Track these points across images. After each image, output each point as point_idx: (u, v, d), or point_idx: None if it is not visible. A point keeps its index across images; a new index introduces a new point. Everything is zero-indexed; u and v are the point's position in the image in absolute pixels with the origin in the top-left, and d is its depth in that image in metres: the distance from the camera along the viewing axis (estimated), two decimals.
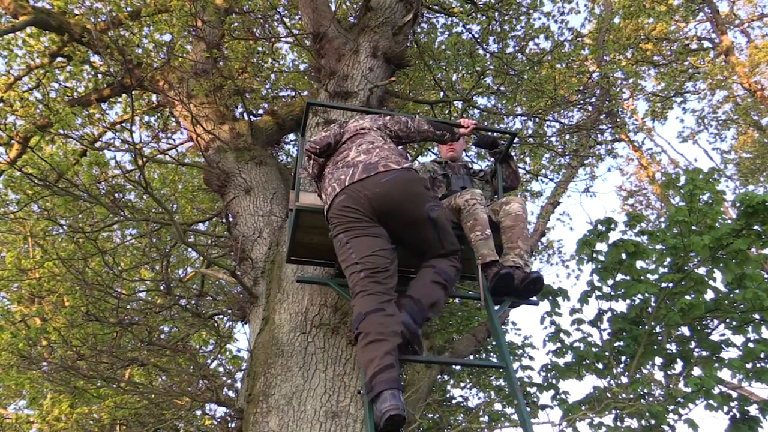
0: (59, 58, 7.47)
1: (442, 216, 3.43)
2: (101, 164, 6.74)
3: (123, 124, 7.91)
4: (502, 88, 8.75)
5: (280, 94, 8.67)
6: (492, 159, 4.63)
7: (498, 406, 8.57)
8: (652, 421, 5.25)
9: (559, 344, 6.36)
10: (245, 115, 6.74)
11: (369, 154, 3.47)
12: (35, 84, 7.50)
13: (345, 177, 3.37)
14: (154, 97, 7.96)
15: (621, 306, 7.39)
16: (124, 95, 7.71)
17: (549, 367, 6.47)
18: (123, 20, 7.07)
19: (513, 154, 9.68)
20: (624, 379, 5.83)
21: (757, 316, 5.40)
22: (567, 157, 10.04)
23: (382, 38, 6.25)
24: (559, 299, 6.45)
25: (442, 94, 8.22)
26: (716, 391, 5.19)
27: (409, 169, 3.42)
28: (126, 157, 7.95)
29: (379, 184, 3.27)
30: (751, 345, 5.38)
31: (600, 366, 5.95)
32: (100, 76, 7.63)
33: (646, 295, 5.79)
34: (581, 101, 9.61)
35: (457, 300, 8.89)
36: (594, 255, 6.09)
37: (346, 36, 6.42)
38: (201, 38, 7.14)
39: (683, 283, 5.55)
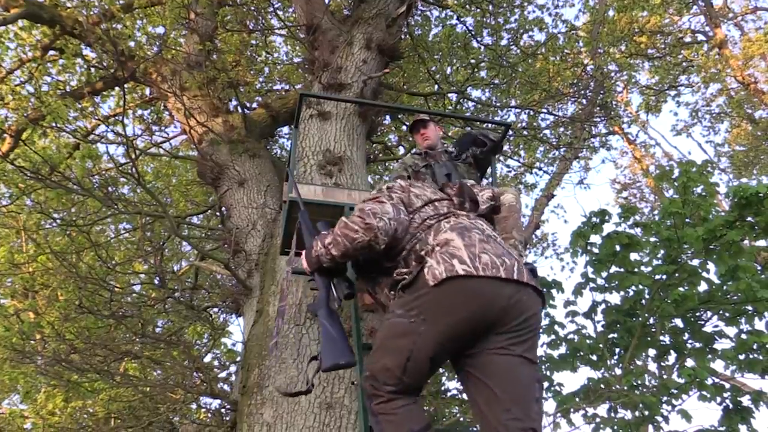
0: (51, 52, 7.42)
1: None
2: (94, 157, 6.71)
3: (116, 117, 7.87)
4: (496, 81, 8.75)
5: (274, 87, 8.65)
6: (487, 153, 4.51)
7: None
8: (646, 412, 5.26)
9: (553, 336, 6.37)
10: (239, 107, 6.72)
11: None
12: (27, 77, 7.45)
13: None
14: (147, 91, 7.92)
15: (615, 298, 7.41)
16: (117, 88, 7.66)
17: (543, 359, 6.49)
18: (115, 12, 7.02)
19: (508, 147, 9.71)
20: (618, 371, 5.85)
21: (750, 308, 5.42)
22: (561, 149, 10.06)
23: (375, 30, 6.23)
24: (554, 291, 6.45)
25: (436, 86, 8.21)
26: (709, 382, 5.21)
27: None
28: (119, 150, 7.93)
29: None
30: (744, 336, 5.40)
31: (594, 358, 5.96)
32: (92, 69, 7.58)
33: (640, 287, 5.80)
34: (575, 94, 9.61)
35: None
36: (588, 247, 6.09)
37: (339, 28, 6.40)
38: (194, 30, 7.10)
39: (677, 274, 5.56)
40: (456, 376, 2.31)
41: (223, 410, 4.50)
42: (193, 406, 6.07)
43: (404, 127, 8.33)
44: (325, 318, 2.55)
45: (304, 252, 2.67)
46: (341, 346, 2.45)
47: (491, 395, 2.19)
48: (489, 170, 4.73)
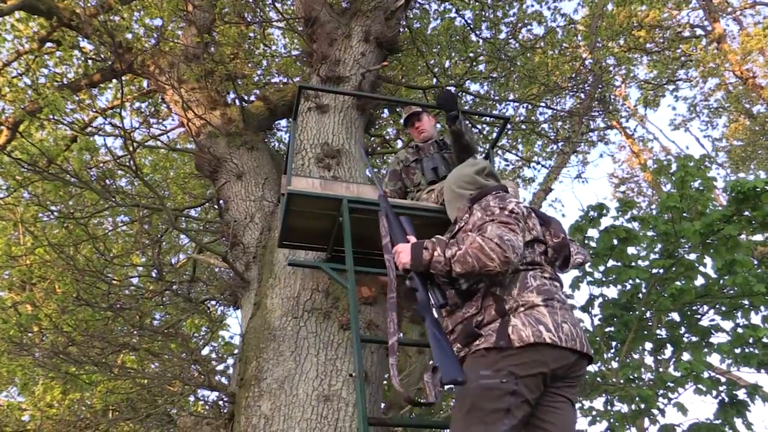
0: (48, 44, 7.39)
1: None
2: (92, 150, 6.70)
3: (114, 110, 7.85)
4: (494, 74, 8.73)
5: (272, 80, 8.62)
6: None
7: None
8: (642, 405, 5.29)
9: None
10: (237, 100, 6.70)
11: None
12: (24, 69, 7.42)
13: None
14: (145, 83, 7.90)
15: (612, 292, 7.42)
16: (114, 80, 7.64)
17: None
18: (113, 4, 6.99)
19: (506, 141, 9.71)
20: (614, 364, 5.88)
21: (746, 302, 5.44)
22: (559, 143, 10.05)
23: (374, 23, 6.22)
24: None
25: (434, 79, 8.20)
26: (705, 375, 5.24)
27: None
28: (117, 142, 7.91)
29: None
30: (740, 330, 5.43)
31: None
32: (90, 61, 7.56)
33: (637, 280, 5.83)
34: (574, 88, 9.60)
35: None
36: (586, 241, 6.11)
37: (338, 20, 6.38)
38: (192, 22, 7.07)
39: (674, 268, 5.59)
40: None
41: (220, 402, 4.50)
42: (191, 398, 6.08)
43: (402, 121, 8.32)
44: (433, 326, 2.44)
45: (404, 246, 2.59)
46: (450, 354, 2.34)
47: None
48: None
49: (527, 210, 2.71)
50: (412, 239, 2.66)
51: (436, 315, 2.50)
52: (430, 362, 2.37)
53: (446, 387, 2.40)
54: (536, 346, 2.29)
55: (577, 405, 5.75)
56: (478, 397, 2.28)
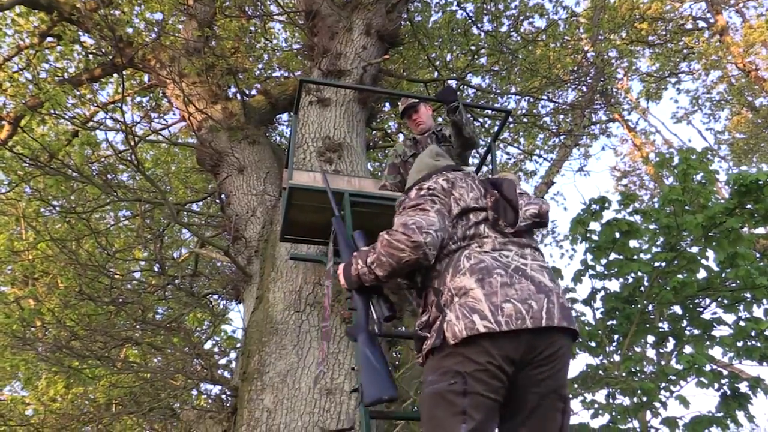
0: (49, 38, 7.38)
1: None
2: (93, 144, 6.70)
3: (115, 104, 7.85)
4: (496, 68, 8.71)
5: (273, 74, 8.61)
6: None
7: None
8: (644, 398, 5.29)
9: None
10: (238, 94, 6.69)
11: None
12: (25, 64, 7.42)
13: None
14: (146, 77, 7.89)
15: (614, 285, 7.43)
16: (115, 75, 7.64)
17: None
18: None
19: (508, 134, 9.69)
20: (616, 357, 5.87)
21: (748, 295, 5.43)
22: (561, 136, 10.04)
23: (375, 16, 6.20)
24: None
25: (436, 73, 8.18)
26: (707, 368, 5.24)
27: None
28: (118, 137, 7.91)
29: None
30: (742, 323, 5.42)
31: (593, 344, 5.98)
32: (91, 56, 7.55)
33: (639, 274, 5.81)
34: (576, 81, 9.58)
35: None
36: (588, 234, 6.10)
37: (339, 14, 6.36)
38: (192, 16, 7.06)
39: (676, 262, 5.57)
40: None
41: (223, 396, 4.51)
42: (194, 392, 6.10)
43: (399, 113, 8.32)
44: (365, 344, 2.30)
45: (341, 267, 2.42)
46: (384, 378, 2.20)
47: None
48: (489, 158, 4.72)
49: (451, 181, 2.42)
50: None
51: (378, 330, 2.37)
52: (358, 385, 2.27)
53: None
54: (472, 339, 2.02)
55: (579, 398, 5.78)
56: (430, 405, 2.08)
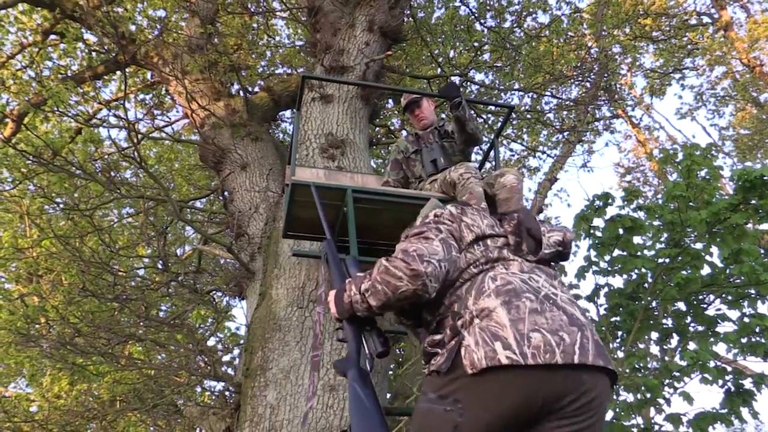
0: (52, 36, 7.39)
1: None
2: (96, 142, 6.71)
3: (118, 102, 7.86)
4: (499, 64, 8.69)
5: (276, 71, 8.61)
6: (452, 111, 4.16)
7: None
8: (648, 394, 5.28)
9: None
10: (241, 91, 6.69)
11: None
12: (28, 62, 7.43)
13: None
14: (149, 75, 7.90)
15: (618, 281, 7.39)
16: (118, 72, 7.64)
17: None
18: None
19: (511, 130, 9.67)
20: (620, 354, 5.86)
21: (752, 291, 5.41)
22: (564, 132, 10.02)
23: (378, 12, 6.18)
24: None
25: (439, 69, 8.16)
26: (711, 364, 5.22)
27: None
28: (121, 134, 7.94)
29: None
30: (746, 320, 5.40)
31: None
32: (93, 53, 7.56)
33: (643, 270, 5.80)
34: (579, 77, 9.55)
35: None
36: (591, 230, 6.08)
37: (341, 10, 6.35)
38: (195, 13, 7.05)
39: (680, 258, 5.56)
40: None
41: (227, 393, 4.53)
42: (198, 388, 6.12)
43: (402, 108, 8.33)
44: (356, 381, 2.09)
45: (332, 293, 2.23)
46: (375, 419, 1.99)
47: None
48: (492, 154, 4.70)
49: (461, 208, 2.25)
50: None
51: (369, 367, 2.18)
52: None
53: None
54: (492, 371, 1.75)
55: None
56: (422, 418, 1.90)
